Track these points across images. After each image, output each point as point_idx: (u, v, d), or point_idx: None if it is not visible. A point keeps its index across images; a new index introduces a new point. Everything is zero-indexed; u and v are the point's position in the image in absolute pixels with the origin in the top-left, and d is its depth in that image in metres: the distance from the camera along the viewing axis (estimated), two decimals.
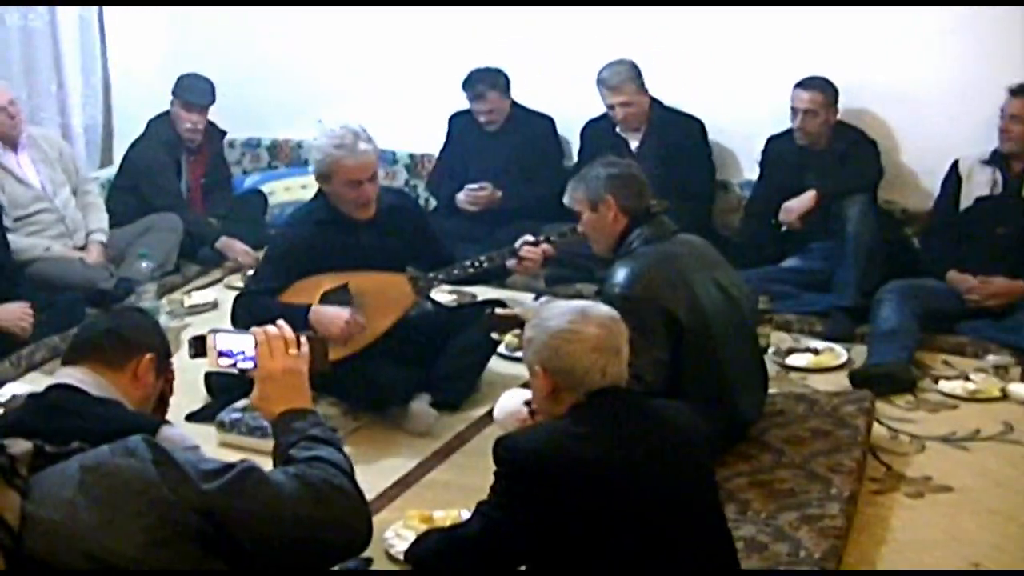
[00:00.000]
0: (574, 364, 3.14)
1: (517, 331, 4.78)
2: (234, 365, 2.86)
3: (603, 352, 3.15)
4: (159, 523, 2.25)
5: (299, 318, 5.06)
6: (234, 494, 2.34)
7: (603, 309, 3.29)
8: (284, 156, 8.74)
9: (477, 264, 5.39)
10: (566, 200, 4.75)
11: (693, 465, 3.17)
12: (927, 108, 6.73)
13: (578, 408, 3.16)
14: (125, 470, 2.30)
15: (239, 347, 2.85)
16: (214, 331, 2.91)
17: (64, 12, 7.71)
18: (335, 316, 5.14)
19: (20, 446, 2.34)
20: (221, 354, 2.87)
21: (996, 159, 6.24)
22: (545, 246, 5.33)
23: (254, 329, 2.84)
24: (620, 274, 4.37)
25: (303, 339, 2.84)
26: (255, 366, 2.80)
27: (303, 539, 2.40)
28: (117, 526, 2.24)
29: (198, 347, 2.93)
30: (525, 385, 5.26)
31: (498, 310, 4.92)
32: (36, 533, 2.25)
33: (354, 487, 2.53)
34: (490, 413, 4.98)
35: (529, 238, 5.36)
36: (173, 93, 7.65)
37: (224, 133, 8.10)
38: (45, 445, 2.40)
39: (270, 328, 2.83)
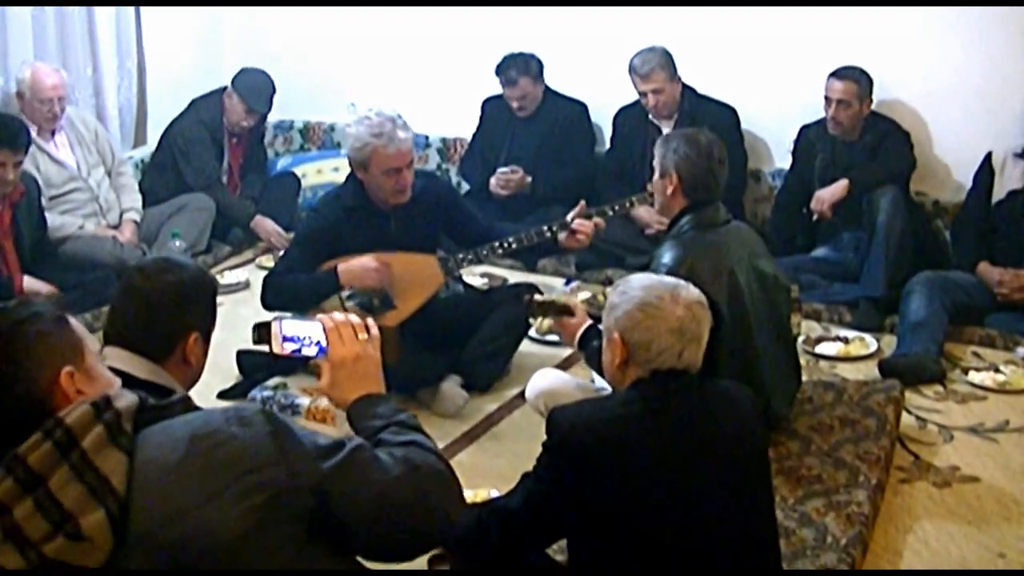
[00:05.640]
0: (651, 340, 3.08)
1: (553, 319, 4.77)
2: (299, 351, 2.79)
3: (683, 335, 3.09)
4: (269, 502, 2.16)
5: (330, 282, 5.13)
6: (349, 472, 2.30)
7: (694, 292, 3.21)
8: (316, 139, 8.79)
9: (507, 244, 5.41)
10: None
11: (747, 455, 3.10)
12: (961, 100, 6.72)
13: (639, 385, 3.11)
14: (240, 441, 2.19)
15: (305, 333, 2.79)
16: (279, 318, 2.87)
17: None
18: (363, 266, 5.21)
19: (126, 399, 2.19)
20: (286, 339, 2.79)
21: None
22: (597, 219, 5.34)
23: (321, 316, 2.80)
24: (667, 256, 4.36)
25: (372, 325, 2.81)
26: (321, 352, 2.76)
27: (405, 522, 2.37)
28: (224, 501, 2.13)
29: (262, 333, 2.83)
30: (559, 367, 5.31)
31: (536, 296, 4.91)
32: (141, 499, 2.11)
33: (452, 474, 2.51)
34: (520, 395, 5.01)
35: (584, 210, 5.36)
36: (233, 84, 7.69)
37: (266, 117, 8.09)
38: (149, 398, 2.27)
39: (337, 315, 2.80)
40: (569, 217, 5.33)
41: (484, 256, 5.47)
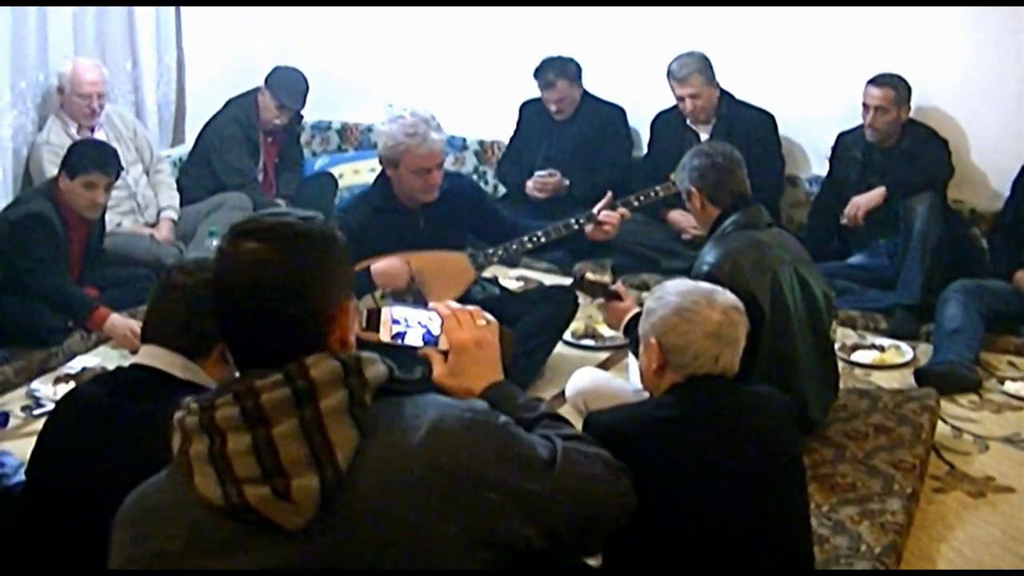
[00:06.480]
0: (687, 345, 3.10)
1: (600, 301, 4.78)
2: (402, 335, 2.60)
3: (719, 340, 3.11)
4: (479, 523, 2.02)
5: (363, 283, 5.15)
6: (567, 479, 2.20)
7: (730, 297, 3.23)
8: (353, 139, 8.82)
9: (535, 239, 5.43)
10: None
11: (781, 461, 3.08)
12: (1000, 108, 6.70)
13: (675, 390, 3.13)
14: (467, 452, 2.05)
15: (415, 319, 2.62)
16: (390, 304, 2.76)
17: None
18: (396, 268, 5.26)
19: (376, 368, 2.05)
20: (395, 322, 2.60)
21: None
22: (623, 210, 5.36)
23: (434, 304, 2.66)
24: (711, 254, 4.38)
25: (487, 314, 2.67)
26: (428, 340, 2.60)
27: (605, 515, 2.32)
28: (438, 518, 1.98)
29: (371, 320, 2.62)
30: (600, 366, 5.32)
31: (588, 275, 4.91)
32: (361, 481, 1.96)
33: None
34: (555, 397, 5.01)
35: (610, 201, 5.38)
36: (266, 82, 7.74)
37: (302, 116, 8.17)
38: (394, 369, 2.12)
39: (452, 302, 2.66)
40: (595, 209, 5.34)
41: (514, 251, 5.49)
